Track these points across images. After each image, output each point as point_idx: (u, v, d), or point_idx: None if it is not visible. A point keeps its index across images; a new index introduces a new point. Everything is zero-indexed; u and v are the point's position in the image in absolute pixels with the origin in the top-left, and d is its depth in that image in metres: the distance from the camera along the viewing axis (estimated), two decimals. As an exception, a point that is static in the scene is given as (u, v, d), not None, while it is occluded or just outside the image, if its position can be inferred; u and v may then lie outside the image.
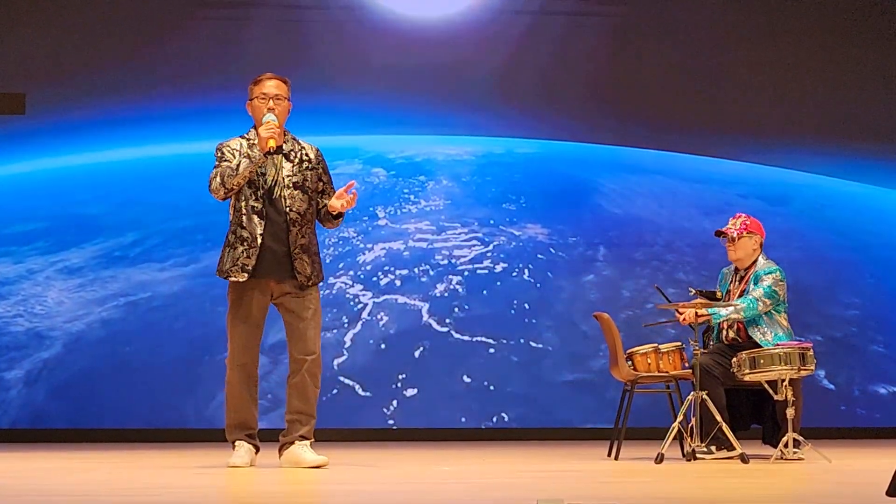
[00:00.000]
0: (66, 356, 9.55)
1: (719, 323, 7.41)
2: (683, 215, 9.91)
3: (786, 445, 6.91)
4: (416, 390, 9.68)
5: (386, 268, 9.82)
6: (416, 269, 9.84)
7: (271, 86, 6.44)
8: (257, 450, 6.50)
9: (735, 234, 7.37)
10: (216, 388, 9.43)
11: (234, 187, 6.30)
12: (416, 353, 9.74)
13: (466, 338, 9.78)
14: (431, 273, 9.82)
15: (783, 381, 6.93)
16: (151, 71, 9.73)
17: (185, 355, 9.56)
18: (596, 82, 10.00)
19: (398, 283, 9.82)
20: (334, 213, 6.44)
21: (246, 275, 6.29)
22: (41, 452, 8.10)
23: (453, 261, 9.83)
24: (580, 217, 9.93)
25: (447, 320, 9.80)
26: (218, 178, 6.31)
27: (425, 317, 9.77)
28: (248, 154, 6.30)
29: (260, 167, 6.34)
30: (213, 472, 6.32)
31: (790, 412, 6.89)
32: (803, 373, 6.96)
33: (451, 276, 9.85)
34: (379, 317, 9.78)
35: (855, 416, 9.83)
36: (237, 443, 6.45)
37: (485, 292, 9.82)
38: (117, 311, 9.60)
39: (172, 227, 9.72)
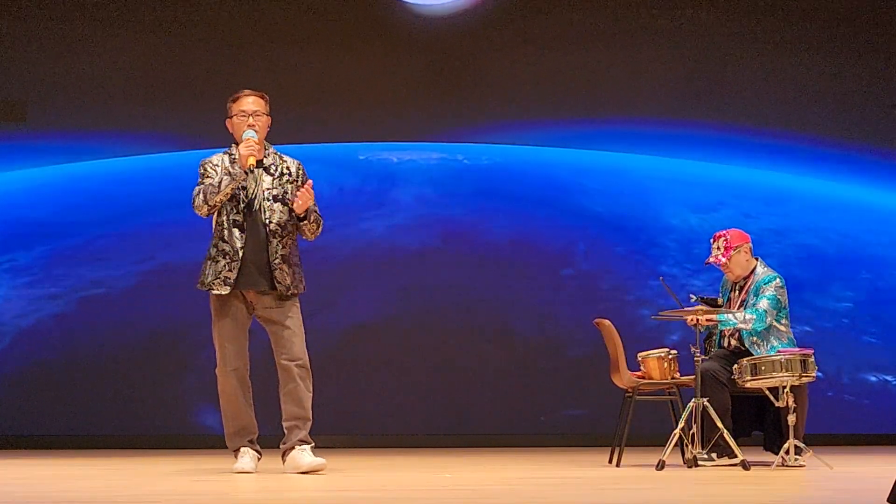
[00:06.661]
0: (16, 349, 9.87)
1: (722, 331, 7.77)
2: (671, 213, 10.25)
3: (787, 452, 7.26)
4: (401, 394, 10.05)
5: (356, 268, 10.16)
6: (391, 269, 10.17)
7: (250, 102, 6.96)
8: (260, 456, 7.02)
9: (724, 261, 7.74)
10: (175, 385, 9.81)
11: (217, 204, 6.82)
12: (398, 357, 10.10)
13: (448, 339, 10.13)
14: (408, 272, 10.15)
15: (784, 387, 7.29)
16: (150, 80, 10.05)
17: (140, 353, 9.91)
18: (589, 86, 10.35)
19: (370, 284, 10.14)
20: (300, 217, 6.89)
21: (228, 287, 6.82)
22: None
23: (428, 259, 10.15)
24: (562, 214, 10.27)
25: (428, 320, 10.14)
26: (201, 196, 6.80)
27: (403, 318, 10.10)
28: (230, 171, 6.79)
29: (241, 181, 6.82)
30: (206, 478, 6.56)
31: (791, 419, 7.23)
32: (804, 379, 7.34)
33: (426, 275, 10.19)
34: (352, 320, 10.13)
35: (844, 403, 10.18)
36: (241, 449, 6.97)
37: (470, 291, 10.18)
38: (69, 306, 9.90)
39: (127, 227, 10.02)
